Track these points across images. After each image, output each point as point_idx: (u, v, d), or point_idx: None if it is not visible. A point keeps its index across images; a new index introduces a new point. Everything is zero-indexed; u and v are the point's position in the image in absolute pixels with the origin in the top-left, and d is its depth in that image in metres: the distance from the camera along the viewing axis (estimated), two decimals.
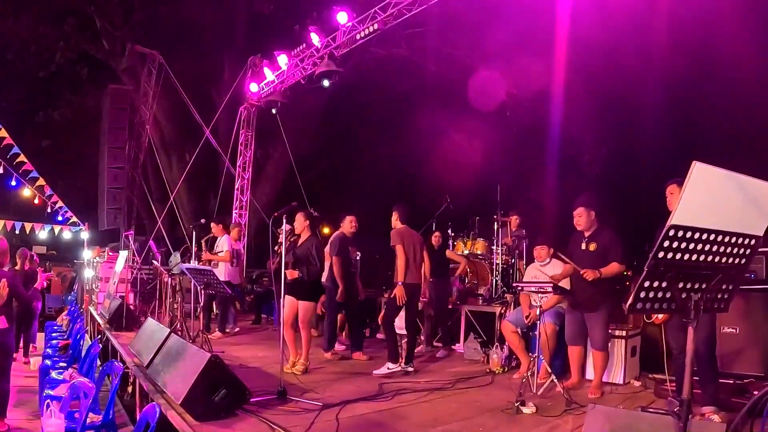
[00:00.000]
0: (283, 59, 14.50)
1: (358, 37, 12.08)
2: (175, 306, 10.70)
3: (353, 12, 12.21)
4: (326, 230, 23.98)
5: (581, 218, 6.74)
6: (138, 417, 6.19)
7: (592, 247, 6.64)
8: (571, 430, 5.11)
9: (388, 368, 7.63)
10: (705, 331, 5.30)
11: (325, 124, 22.14)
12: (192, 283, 9.91)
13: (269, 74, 15.44)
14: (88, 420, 5.18)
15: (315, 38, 13.19)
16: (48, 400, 5.45)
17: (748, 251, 3.05)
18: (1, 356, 6.12)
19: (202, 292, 8.42)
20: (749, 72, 13.63)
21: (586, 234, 6.74)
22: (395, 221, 8.23)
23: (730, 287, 3.18)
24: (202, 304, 8.75)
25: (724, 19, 13.02)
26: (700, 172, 2.63)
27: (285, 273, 7.32)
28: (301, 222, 7.54)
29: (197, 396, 5.05)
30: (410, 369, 7.86)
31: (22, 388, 8.52)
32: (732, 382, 5.94)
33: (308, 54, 13.75)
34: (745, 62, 13.59)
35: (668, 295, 2.90)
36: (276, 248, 8.12)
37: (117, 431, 5.47)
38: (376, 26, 11.52)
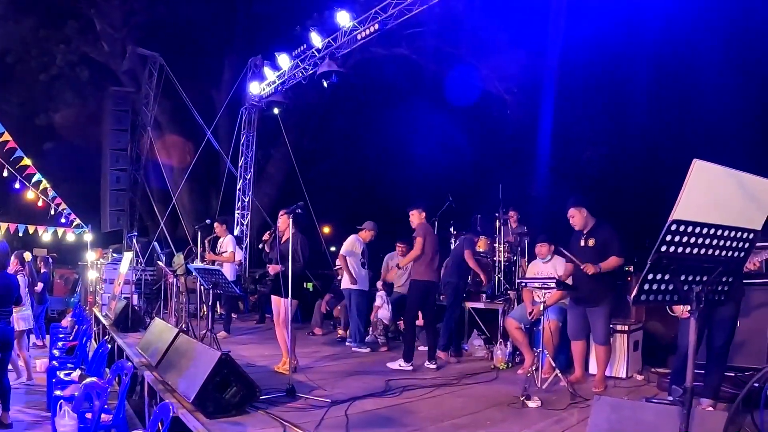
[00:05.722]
0: (284, 60, 14.55)
1: (358, 37, 12.15)
2: (180, 306, 10.76)
3: (354, 12, 12.27)
4: (326, 230, 24.12)
5: (575, 218, 6.86)
6: (147, 417, 6.29)
7: (591, 242, 6.74)
8: (577, 422, 5.20)
9: (400, 365, 7.74)
10: (726, 326, 5.41)
11: (325, 123, 22.20)
12: (197, 284, 9.97)
13: (270, 75, 15.49)
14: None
15: (315, 38, 13.25)
16: (61, 401, 5.52)
17: (746, 245, 3.16)
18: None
19: (210, 292, 8.44)
20: (747, 68, 13.72)
21: (585, 231, 6.84)
22: (423, 218, 8.32)
23: (731, 279, 3.27)
24: (210, 303, 8.79)
25: (719, 15, 13.09)
26: (699, 169, 2.73)
27: (269, 268, 7.70)
28: (284, 219, 7.55)
29: (208, 394, 5.14)
30: (432, 366, 7.95)
31: (30, 389, 8.57)
32: (733, 374, 6.01)
33: (309, 54, 13.82)
34: (742, 59, 13.68)
35: (671, 287, 3.00)
36: (260, 246, 8.23)
37: (128, 431, 5.53)
38: (376, 26, 11.58)
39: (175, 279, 10.71)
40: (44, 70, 19.63)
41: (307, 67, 14.03)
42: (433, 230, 8.46)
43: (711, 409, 5.14)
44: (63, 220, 16.72)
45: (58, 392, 6.17)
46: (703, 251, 2.96)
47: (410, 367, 7.78)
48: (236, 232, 16.71)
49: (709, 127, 14.99)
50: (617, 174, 18.03)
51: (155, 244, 13.63)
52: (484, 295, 9.67)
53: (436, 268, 8.36)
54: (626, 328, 7.50)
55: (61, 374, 7.11)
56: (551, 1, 13.82)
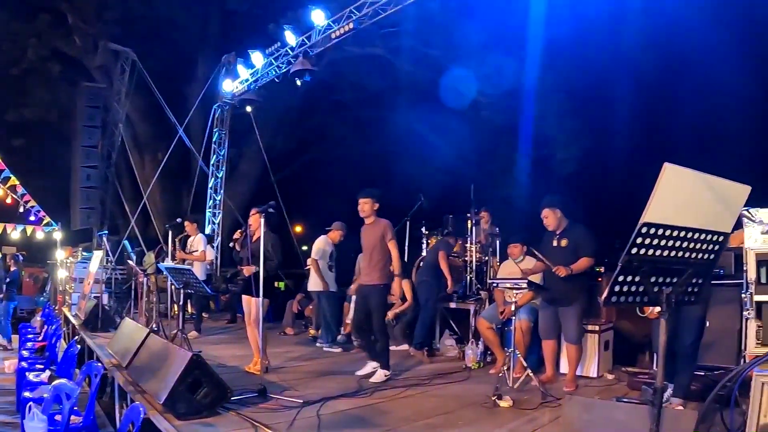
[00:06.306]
0: (257, 57, 14.47)
1: (333, 36, 12.10)
2: (151, 306, 10.66)
3: (328, 11, 12.23)
4: (298, 229, 24.04)
5: (548, 219, 6.90)
6: (117, 418, 6.22)
7: (564, 243, 6.78)
8: (548, 422, 5.23)
9: (385, 375, 7.15)
10: (695, 326, 5.46)
11: (300, 123, 22.12)
12: (168, 283, 9.87)
13: (243, 72, 15.40)
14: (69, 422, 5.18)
15: (290, 37, 13.19)
16: (30, 403, 5.43)
17: (716, 247, 3.20)
18: None
19: (181, 291, 8.37)
20: (719, 72, 13.89)
21: (557, 231, 6.87)
22: (376, 208, 7.42)
23: (700, 281, 3.31)
24: (180, 303, 8.70)
25: (695, 18, 13.23)
26: (671, 172, 2.76)
27: (242, 269, 7.56)
28: (255, 218, 7.44)
29: (179, 395, 5.08)
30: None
31: None
32: (703, 374, 6.09)
33: (283, 52, 13.76)
34: (714, 62, 13.84)
35: (641, 288, 3.03)
36: (230, 244, 8.17)
37: None
38: (351, 25, 11.55)
39: (145, 278, 10.61)
40: (15, 65, 19.31)
41: (281, 65, 13.95)
42: None
43: (681, 408, 5.20)
44: (32, 218, 16.54)
45: (27, 394, 6.08)
46: (673, 253, 3.00)
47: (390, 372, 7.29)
48: (207, 230, 16.59)
49: (682, 130, 15.17)
50: (590, 176, 18.16)
51: (126, 242, 13.49)
52: (455, 295, 9.69)
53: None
54: (597, 327, 7.56)
55: (31, 375, 7.01)
56: (527, 1, 13.87)
